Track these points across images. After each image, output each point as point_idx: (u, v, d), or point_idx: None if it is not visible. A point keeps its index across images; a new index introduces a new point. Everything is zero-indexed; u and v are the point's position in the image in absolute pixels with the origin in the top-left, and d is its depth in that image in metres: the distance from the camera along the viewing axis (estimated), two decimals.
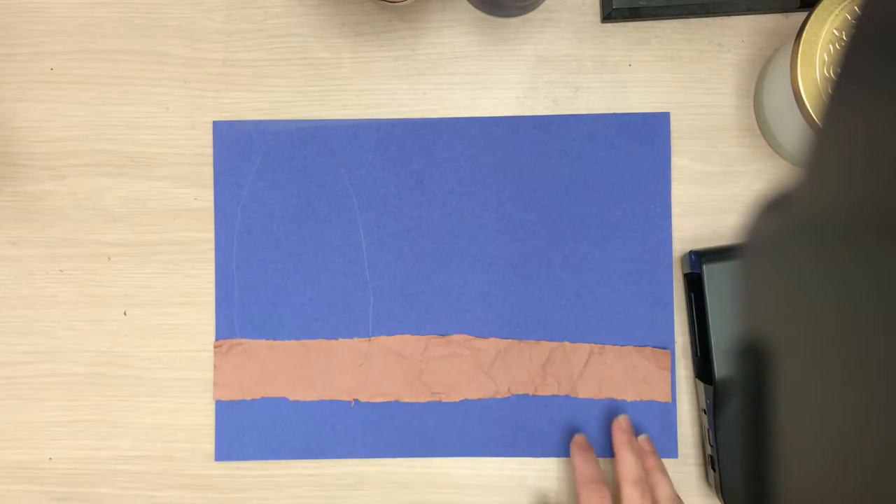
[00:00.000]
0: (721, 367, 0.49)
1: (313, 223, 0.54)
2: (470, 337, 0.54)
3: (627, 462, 0.49)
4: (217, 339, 0.54)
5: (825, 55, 0.45)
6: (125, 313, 0.53)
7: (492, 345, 0.54)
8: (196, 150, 0.54)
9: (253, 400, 0.54)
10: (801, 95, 0.45)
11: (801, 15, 0.49)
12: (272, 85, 0.54)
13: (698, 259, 0.50)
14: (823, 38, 0.45)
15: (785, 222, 0.19)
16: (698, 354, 0.51)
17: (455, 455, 0.54)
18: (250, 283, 0.54)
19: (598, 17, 0.53)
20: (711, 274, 0.49)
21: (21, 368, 0.53)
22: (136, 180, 0.54)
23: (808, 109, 0.44)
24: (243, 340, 0.54)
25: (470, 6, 0.53)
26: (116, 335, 0.53)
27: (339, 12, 0.53)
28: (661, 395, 0.53)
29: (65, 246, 0.53)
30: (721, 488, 0.49)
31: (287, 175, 0.54)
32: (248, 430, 0.54)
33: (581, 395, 0.53)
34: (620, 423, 0.52)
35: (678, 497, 0.48)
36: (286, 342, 0.54)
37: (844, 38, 0.44)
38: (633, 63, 0.53)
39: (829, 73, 0.45)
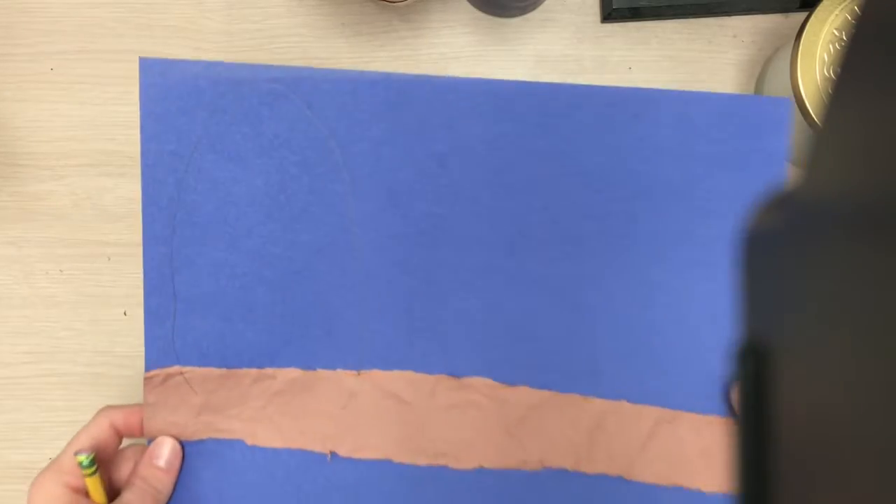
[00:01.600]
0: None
1: (287, 212, 0.39)
2: (494, 383, 0.39)
3: None
4: (147, 370, 0.40)
5: (825, 55, 0.44)
6: (125, 313, 0.53)
7: (522, 396, 0.39)
8: None
9: (197, 441, 0.40)
10: (801, 96, 0.44)
11: (801, 15, 0.49)
12: None
13: None
14: (823, 38, 0.45)
15: (785, 221, 0.19)
16: None
17: None
18: (194, 292, 0.40)
19: (598, 18, 0.53)
20: None
21: (21, 368, 0.53)
22: (137, 180, 0.54)
23: (808, 109, 0.44)
24: (185, 369, 0.40)
25: (470, 6, 0.53)
26: (116, 335, 0.53)
27: (338, 12, 0.53)
28: None
29: (65, 246, 0.53)
30: None
31: (252, 144, 0.39)
32: (191, 479, 0.40)
33: (639, 479, 0.38)
34: None
35: None
36: (244, 370, 0.40)
37: (845, 38, 0.44)
38: (633, 63, 0.53)
39: (829, 73, 0.45)
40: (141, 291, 0.53)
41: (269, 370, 0.40)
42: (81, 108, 0.54)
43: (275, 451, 0.40)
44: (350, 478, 0.40)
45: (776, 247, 0.19)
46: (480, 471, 0.39)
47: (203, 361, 0.40)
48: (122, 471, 0.42)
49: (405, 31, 0.53)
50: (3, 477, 0.53)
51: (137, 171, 0.54)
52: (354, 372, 0.40)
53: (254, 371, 0.40)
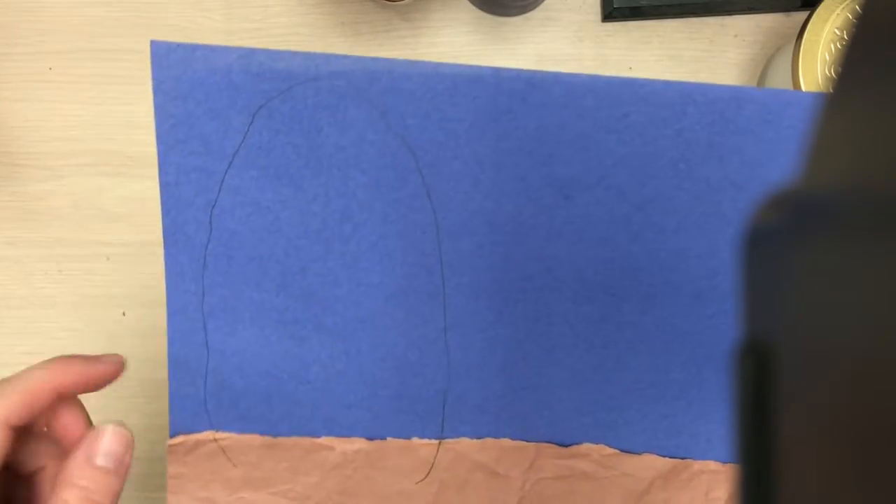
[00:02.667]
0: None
1: (354, 248, 0.31)
2: (612, 450, 0.32)
3: None
4: (173, 435, 0.32)
5: (827, 54, 0.44)
6: (124, 314, 0.53)
7: (648, 465, 0.32)
8: None
9: None
10: None
11: (803, 14, 0.49)
12: None
13: None
14: (825, 37, 0.44)
15: (785, 220, 0.19)
16: None
17: None
18: (232, 341, 0.32)
19: (598, 17, 0.53)
20: None
21: (20, 369, 0.53)
22: (136, 180, 0.53)
23: None
24: (220, 434, 0.32)
25: (470, 5, 0.53)
26: (115, 336, 0.53)
27: (338, 11, 0.53)
28: None
29: (64, 246, 0.53)
30: None
31: (306, 159, 0.30)
32: None
33: None
34: None
35: None
36: (294, 439, 0.32)
37: (846, 37, 0.44)
38: (634, 63, 0.53)
39: (830, 72, 0.44)
40: (142, 291, 0.53)
41: (325, 439, 0.32)
42: (81, 107, 0.53)
43: None
44: None
45: (777, 245, 0.19)
46: None
47: (242, 427, 0.32)
48: (41, 449, 0.31)
49: (405, 30, 0.53)
50: None
51: (137, 171, 0.53)
52: (435, 440, 0.32)
53: (307, 440, 0.32)
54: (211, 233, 0.31)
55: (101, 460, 0.28)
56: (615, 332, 0.31)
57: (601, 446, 0.32)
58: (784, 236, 0.19)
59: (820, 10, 0.45)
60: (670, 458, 0.32)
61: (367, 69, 0.30)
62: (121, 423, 0.30)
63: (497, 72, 0.32)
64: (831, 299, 0.16)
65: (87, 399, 0.53)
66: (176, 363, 0.32)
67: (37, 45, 0.54)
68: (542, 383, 0.32)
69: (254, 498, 0.32)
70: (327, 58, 0.30)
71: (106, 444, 0.29)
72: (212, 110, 0.30)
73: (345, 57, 0.30)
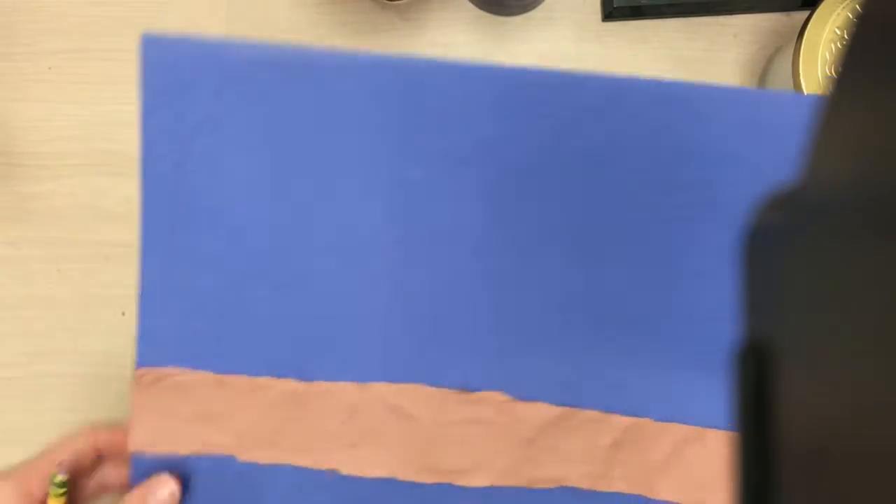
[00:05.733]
0: None
1: (294, 203, 0.35)
2: (509, 397, 0.36)
3: None
4: (138, 366, 0.36)
5: (827, 54, 0.44)
6: (124, 314, 0.53)
7: (538, 412, 0.36)
8: None
9: (185, 456, 0.36)
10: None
11: (803, 14, 0.49)
12: None
13: None
14: (825, 37, 0.44)
15: (785, 220, 0.19)
16: None
17: None
18: (191, 287, 0.36)
19: (598, 16, 0.53)
20: None
21: (19, 369, 0.53)
22: (136, 180, 0.53)
23: None
24: (177, 370, 0.36)
25: (470, 5, 0.53)
26: (115, 336, 0.53)
27: (338, 11, 0.53)
28: None
29: (63, 246, 0.53)
30: None
31: (260, 127, 0.35)
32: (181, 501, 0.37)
33: (662, 498, 0.36)
34: None
35: None
36: (240, 377, 0.36)
37: (846, 36, 0.44)
38: (634, 62, 0.53)
39: (831, 72, 0.44)
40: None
41: (264, 379, 0.36)
42: (80, 107, 0.53)
43: (269, 468, 0.36)
44: (351, 498, 0.36)
45: (777, 245, 0.19)
46: (491, 489, 0.36)
47: (196, 364, 0.36)
48: (89, 487, 0.39)
49: (405, 29, 0.53)
50: None
51: (136, 170, 0.53)
52: (357, 384, 0.36)
53: (248, 379, 0.36)
54: (178, 189, 0.36)
55: (152, 501, 0.35)
56: (516, 291, 0.36)
57: (498, 393, 0.36)
58: (784, 236, 0.19)
59: (820, 10, 0.45)
60: (559, 406, 0.36)
61: (313, 59, 0.35)
62: (171, 475, 0.36)
63: (429, 65, 0.35)
64: (831, 299, 0.16)
65: (89, 399, 0.53)
66: (145, 306, 0.36)
67: (36, 44, 0.53)
68: (450, 335, 0.36)
69: (203, 430, 0.36)
70: (282, 49, 0.35)
71: (162, 492, 0.35)
72: (185, 83, 0.35)
73: (296, 49, 0.35)
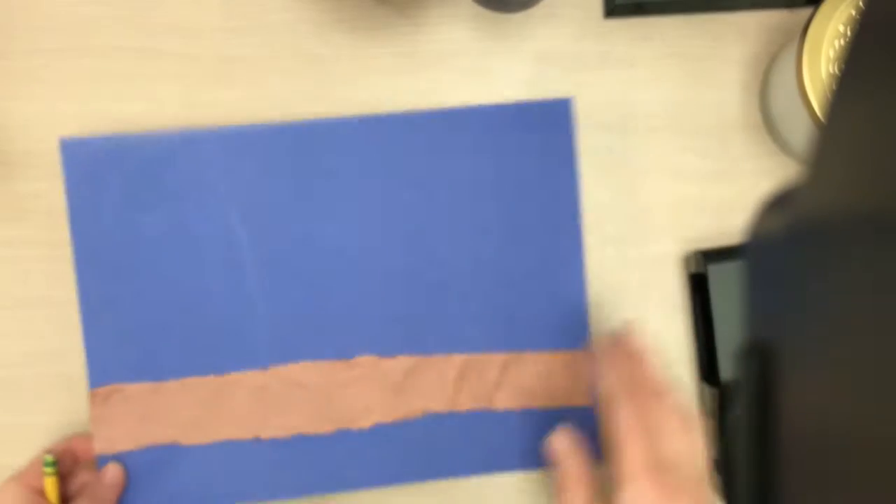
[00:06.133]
0: (726, 369, 0.48)
1: (189, 246, 0.48)
2: (376, 357, 0.49)
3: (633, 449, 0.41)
4: (92, 387, 0.48)
5: (831, 51, 0.44)
6: None
7: (400, 364, 0.49)
8: None
9: (140, 450, 0.48)
10: (806, 92, 0.44)
11: (807, 11, 0.49)
12: (269, 81, 0.53)
13: (703, 259, 0.49)
14: (829, 34, 0.44)
15: (790, 221, 0.19)
16: (703, 357, 0.51)
17: (373, 485, 0.50)
18: (123, 320, 0.48)
19: (600, 13, 0.53)
20: (717, 275, 0.49)
21: (17, 370, 0.53)
22: None
23: (813, 106, 0.44)
24: (122, 385, 0.48)
25: (471, 1, 0.53)
26: None
27: (336, 8, 0.53)
28: (581, 399, 0.50)
29: (61, 246, 0.53)
30: (726, 492, 0.49)
31: (155, 194, 0.48)
32: (137, 484, 0.48)
33: (499, 407, 0.50)
34: (561, 440, 0.46)
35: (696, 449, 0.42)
36: (170, 383, 0.48)
37: (849, 34, 0.44)
38: (637, 60, 0.53)
39: (834, 69, 0.44)
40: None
41: (189, 380, 0.49)
42: (77, 105, 0.53)
43: (207, 445, 0.49)
44: (273, 454, 0.49)
45: (779, 248, 0.19)
46: (376, 427, 0.49)
47: (135, 377, 0.48)
48: (73, 485, 0.49)
49: (404, 26, 0.53)
50: None
51: None
52: (261, 370, 0.49)
53: (177, 382, 0.49)
54: (103, 251, 0.49)
55: (106, 480, 0.48)
56: (367, 277, 0.49)
57: (370, 356, 0.49)
58: (786, 239, 0.19)
59: (824, 7, 0.44)
60: (413, 356, 0.50)
61: (189, 138, 0.49)
62: (118, 465, 0.48)
63: (265, 128, 0.49)
64: (832, 301, 0.15)
65: (85, 400, 0.53)
66: (90, 341, 0.49)
67: (32, 43, 0.53)
68: (325, 319, 0.49)
69: (150, 428, 0.48)
70: (161, 135, 0.49)
71: (109, 472, 0.48)
72: (96, 172, 0.49)
73: (172, 133, 0.49)
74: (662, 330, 0.52)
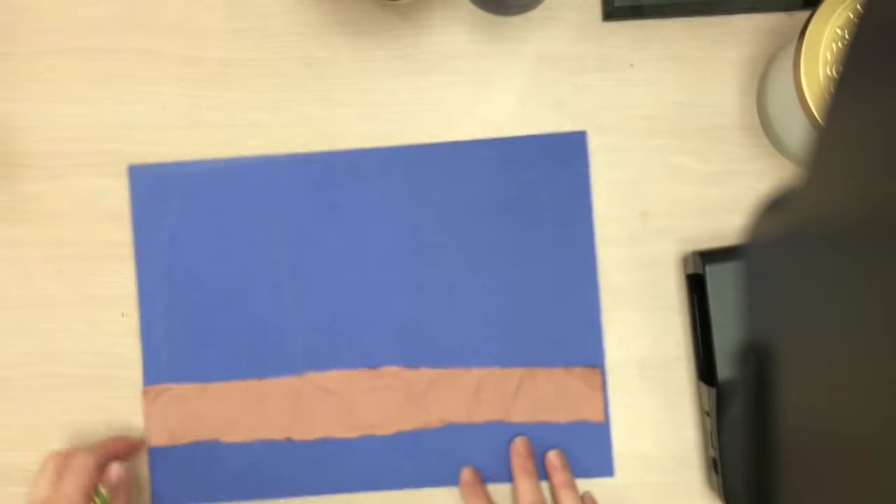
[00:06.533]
0: (724, 368, 0.49)
1: (236, 261, 0.53)
2: (400, 368, 0.53)
3: (522, 488, 0.50)
4: (145, 385, 0.53)
5: (828, 54, 0.44)
6: (123, 314, 0.53)
7: (423, 375, 0.53)
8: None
9: (186, 444, 0.53)
10: (804, 94, 0.44)
11: (805, 14, 0.49)
12: (271, 84, 0.53)
13: (701, 260, 0.49)
14: (826, 36, 0.44)
15: (787, 223, 0.19)
16: (701, 356, 0.51)
17: (392, 488, 0.53)
18: (176, 326, 0.53)
19: (599, 16, 0.53)
20: (714, 275, 0.49)
21: (19, 370, 0.53)
22: None
23: (811, 109, 0.44)
24: (172, 385, 0.53)
25: (470, 4, 0.53)
26: (114, 336, 0.53)
27: (338, 10, 0.53)
28: (594, 415, 0.52)
29: (63, 246, 0.53)
30: (724, 491, 0.49)
31: (206, 215, 0.53)
32: (183, 475, 0.53)
33: (515, 420, 0.52)
34: (517, 447, 0.51)
35: None
36: (215, 385, 0.53)
37: (847, 36, 0.44)
38: (635, 62, 0.53)
39: (832, 72, 0.44)
40: (139, 292, 0.53)
41: (232, 383, 0.53)
42: (80, 107, 0.53)
43: (244, 444, 0.53)
44: (304, 454, 0.53)
45: (778, 248, 0.19)
46: (397, 434, 0.53)
47: (184, 378, 0.53)
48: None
49: (405, 29, 0.53)
50: (0, 479, 0.53)
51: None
52: (297, 376, 0.53)
53: (221, 385, 0.53)
54: (161, 264, 0.53)
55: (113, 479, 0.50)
56: (395, 293, 0.53)
57: (395, 367, 0.53)
58: (784, 240, 0.19)
59: (821, 10, 0.45)
60: (436, 368, 0.53)
61: (235, 165, 0.53)
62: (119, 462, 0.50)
63: (300, 156, 0.53)
64: (827, 302, 0.16)
65: (89, 399, 0.53)
66: (146, 344, 0.53)
67: (36, 44, 0.53)
68: (354, 332, 0.53)
69: (195, 425, 0.53)
70: (212, 162, 0.53)
71: (112, 474, 0.49)
72: (158, 194, 0.53)
73: (221, 160, 0.53)
74: (660, 330, 0.53)
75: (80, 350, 0.53)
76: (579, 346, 0.52)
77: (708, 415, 0.50)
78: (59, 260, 0.53)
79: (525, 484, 0.50)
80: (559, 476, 0.50)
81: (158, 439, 0.53)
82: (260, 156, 0.53)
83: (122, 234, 0.53)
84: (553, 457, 0.51)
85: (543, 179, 0.53)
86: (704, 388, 0.51)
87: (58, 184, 0.53)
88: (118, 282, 0.53)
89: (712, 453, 0.50)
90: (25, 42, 0.53)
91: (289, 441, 0.53)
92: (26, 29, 0.53)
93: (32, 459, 0.53)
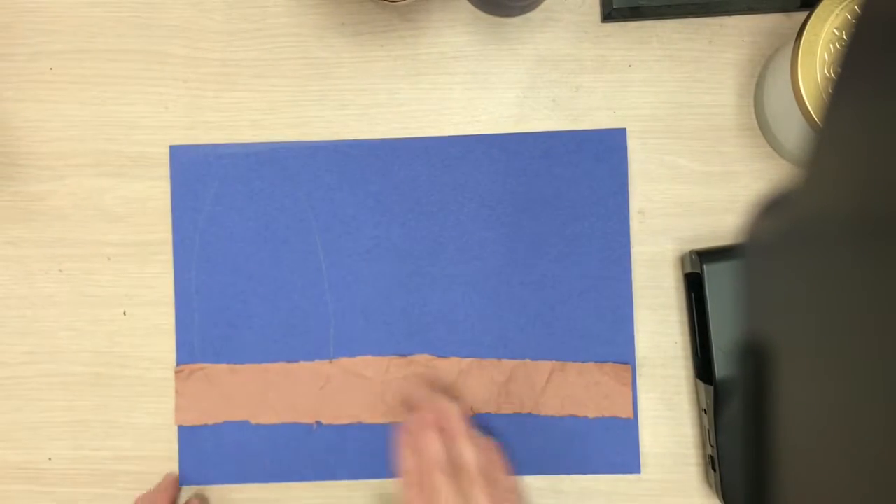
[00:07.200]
0: (721, 367, 0.49)
1: (272, 246, 0.53)
2: (431, 357, 0.53)
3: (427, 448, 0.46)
4: (178, 365, 0.53)
5: (826, 55, 0.44)
6: (125, 313, 0.53)
7: (453, 364, 0.53)
8: None
9: (215, 424, 0.53)
10: (801, 95, 0.44)
11: (802, 14, 0.49)
12: (271, 85, 0.53)
13: (699, 259, 0.50)
14: (824, 37, 0.45)
15: (785, 223, 0.19)
16: (699, 354, 0.51)
17: None
18: (210, 307, 0.53)
19: (598, 17, 0.53)
20: (712, 274, 0.49)
21: (20, 369, 0.53)
22: (136, 180, 0.54)
23: (808, 109, 0.44)
24: (204, 365, 0.53)
25: (470, 5, 0.53)
26: (116, 335, 0.53)
27: (338, 12, 0.53)
28: (623, 411, 0.52)
29: (64, 246, 0.53)
30: (722, 489, 0.49)
31: (245, 198, 0.53)
32: (211, 455, 0.53)
33: (543, 413, 0.53)
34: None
35: (492, 460, 0.46)
36: (247, 366, 0.53)
37: (845, 37, 0.44)
38: (634, 63, 0.53)
39: (829, 72, 0.45)
40: (142, 291, 0.53)
41: (263, 365, 0.53)
42: (81, 107, 0.53)
43: (274, 426, 0.53)
44: (333, 438, 0.54)
45: (776, 248, 0.19)
46: None
47: (216, 359, 0.53)
48: None
49: (405, 30, 0.53)
50: (2, 477, 0.53)
51: (137, 171, 0.54)
52: (328, 361, 0.53)
53: (252, 366, 0.53)
54: (197, 245, 0.53)
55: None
56: (428, 283, 0.53)
57: (426, 355, 0.53)
58: (783, 239, 0.19)
59: (819, 11, 0.45)
60: (466, 358, 0.53)
61: (276, 148, 0.53)
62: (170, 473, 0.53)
63: (343, 143, 0.53)
64: (829, 301, 0.16)
65: (90, 398, 0.53)
66: (180, 323, 0.54)
67: (37, 45, 0.54)
68: (387, 318, 0.53)
69: (225, 405, 0.53)
70: (254, 145, 0.53)
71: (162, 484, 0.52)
72: (197, 175, 0.54)
73: (263, 144, 0.53)
74: (658, 328, 0.53)
75: (82, 349, 0.53)
76: (610, 342, 0.52)
77: (705, 413, 0.50)
78: (60, 259, 0.53)
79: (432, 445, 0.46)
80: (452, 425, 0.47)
81: (188, 418, 0.53)
82: (301, 141, 0.53)
83: (122, 234, 0.53)
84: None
85: (583, 175, 0.53)
86: (702, 386, 0.51)
87: (59, 184, 0.53)
88: (119, 281, 0.53)
89: (710, 451, 0.51)
90: (27, 42, 0.54)
91: (319, 424, 0.53)
92: (28, 29, 0.54)
93: (34, 458, 0.53)
